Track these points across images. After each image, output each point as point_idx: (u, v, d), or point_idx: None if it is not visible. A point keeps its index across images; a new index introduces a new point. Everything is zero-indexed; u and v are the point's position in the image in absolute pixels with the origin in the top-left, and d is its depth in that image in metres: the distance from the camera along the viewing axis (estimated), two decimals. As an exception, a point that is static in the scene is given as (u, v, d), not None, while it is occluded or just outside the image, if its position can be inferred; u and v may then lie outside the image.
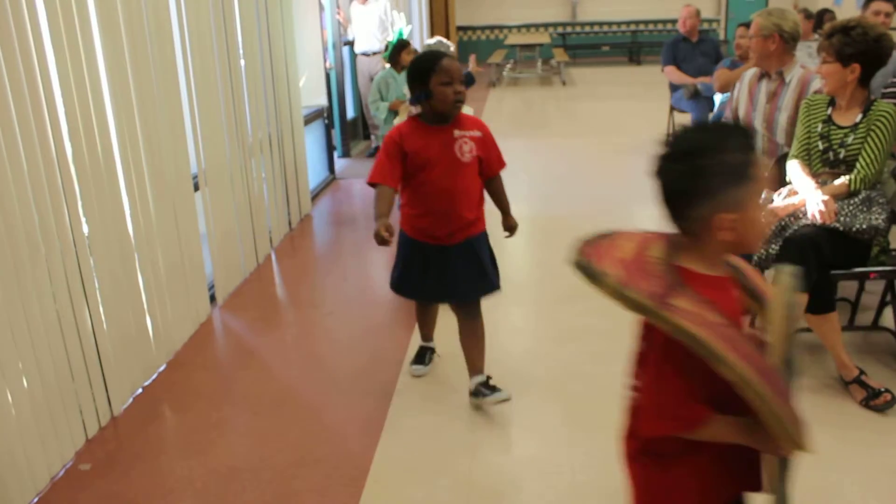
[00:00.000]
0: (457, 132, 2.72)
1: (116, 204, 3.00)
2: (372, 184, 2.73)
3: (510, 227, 2.97)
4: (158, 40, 3.35)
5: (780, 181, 3.20)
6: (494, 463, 2.59)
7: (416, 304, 3.19)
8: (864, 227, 2.82)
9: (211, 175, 3.94)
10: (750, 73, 3.79)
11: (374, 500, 2.43)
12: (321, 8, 6.64)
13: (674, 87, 6.87)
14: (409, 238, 2.87)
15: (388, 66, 5.55)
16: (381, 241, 2.57)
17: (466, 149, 2.71)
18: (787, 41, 3.55)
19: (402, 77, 4.87)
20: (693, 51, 6.73)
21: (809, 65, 3.56)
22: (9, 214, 2.37)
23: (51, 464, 2.59)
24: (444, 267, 2.80)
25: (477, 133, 2.76)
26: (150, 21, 3.29)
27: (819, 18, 6.82)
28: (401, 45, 5.46)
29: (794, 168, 3.10)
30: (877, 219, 2.84)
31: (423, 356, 3.24)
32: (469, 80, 4.33)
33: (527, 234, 4.78)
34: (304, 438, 2.77)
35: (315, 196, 6.10)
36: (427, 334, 3.26)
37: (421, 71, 2.65)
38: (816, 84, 3.41)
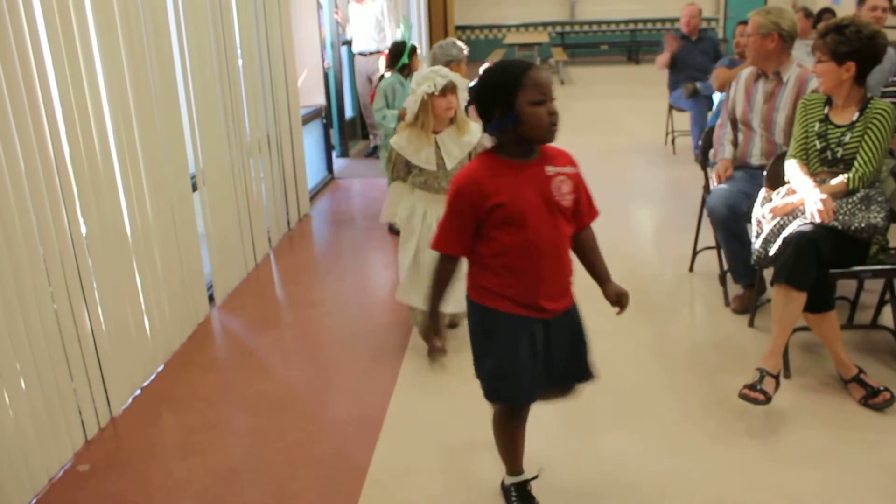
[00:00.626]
0: (549, 168, 2.03)
1: (114, 204, 2.99)
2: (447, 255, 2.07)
3: (619, 296, 2.15)
4: (155, 40, 3.35)
5: (779, 180, 3.20)
6: (493, 462, 2.58)
7: (512, 420, 2.24)
8: (863, 225, 2.82)
9: (209, 175, 3.94)
10: (746, 72, 3.79)
11: (373, 501, 2.43)
12: (319, 7, 6.64)
13: (672, 86, 6.86)
14: (500, 313, 2.06)
15: (384, 68, 5.47)
16: (436, 356, 2.19)
17: (565, 189, 2.04)
18: (786, 40, 3.55)
19: (409, 83, 4.32)
20: (692, 49, 6.73)
21: (807, 63, 3.55)
22: (7, 216, 2.36)
23: (49, 465, 2.58)
24: (547, 348, 2.10)
25: (571, 170, 2.08)
26: (148, 20, 3.28)
27: (818, 18, 6.81)
28: (410, 50, 5.26)
29: (792, 167, 3.09)
30: (875, 217, 2.84)
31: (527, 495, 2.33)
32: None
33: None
34: (302, 439, 2.77)
35: (314, 196, 6.10)
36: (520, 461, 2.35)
37: (502, 88, 1.94)
38: (814, 83, 3.41)
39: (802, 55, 4.59)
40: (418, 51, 5.39)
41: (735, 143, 3.82)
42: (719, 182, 3.71)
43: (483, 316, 2.07)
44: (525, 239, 1.98)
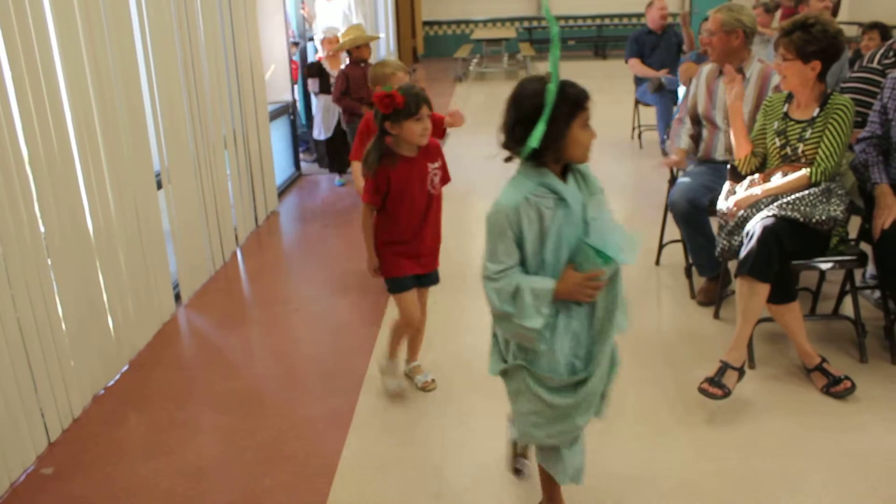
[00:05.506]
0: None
1: (75, 203, 2.94)
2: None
3: None
4: (117, 34, 3.29)
5: (742, 174, 3.25)
6: (464, 457, 2.59)
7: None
8: (824, 217, 2.87)
9: (174, 172, 3.88)
10: (707, 69, 3.83)
11: (343, 496, 2.42)
12: (284, 2, 6.58)
13: (638, 81, 6.92)
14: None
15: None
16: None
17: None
18: (748, 36, 3.60)
19: None
20: (658, 43, 6.79)
21: (763, 56, 3.60)
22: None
23: (11, 469, 2.53)
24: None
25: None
26: (108, 13, 3.22)
27: (775, 9, 6.95)
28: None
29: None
30: (836, 210, 2.89)
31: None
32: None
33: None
34: (271, 436, 2.75)
35: (281, 192, 6.06)
36: None
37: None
38: (777, 79, 3.45)
39: (759, 49, 4.66)
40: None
41: (697, 138, 3.86)
42: (669, 167, 3.84)
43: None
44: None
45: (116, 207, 3.24)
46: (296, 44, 7.20)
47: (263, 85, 5.40)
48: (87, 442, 2.78)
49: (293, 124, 6.69)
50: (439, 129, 3.37)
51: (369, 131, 3.38)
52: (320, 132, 6.30)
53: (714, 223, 3.41)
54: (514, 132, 1.80)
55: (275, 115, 6.00)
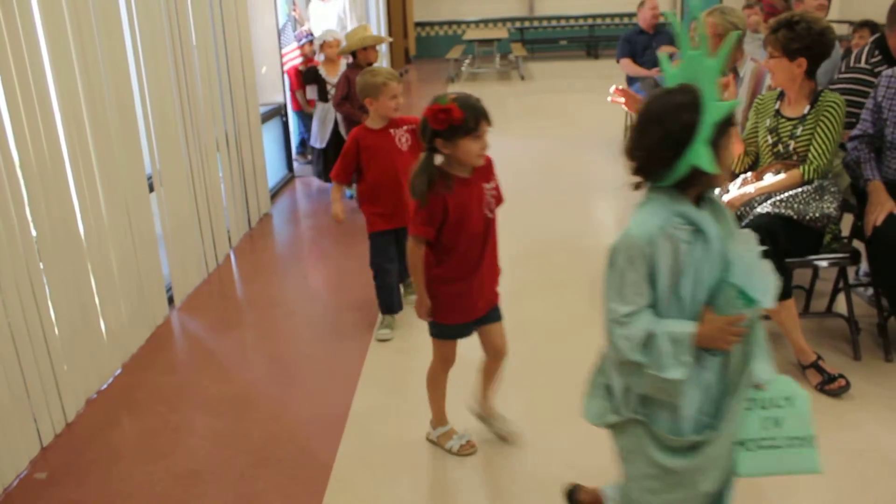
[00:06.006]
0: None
1: (66, 206, 2.92)
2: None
3: None
4: (107, 36, 3.27)
5: (733, 174, 3.25)
6: (458, 458, 2.58)
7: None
8: (817, 215, 2.88)
9: (166, 175, 3.87)
10: None
11: (338, 500, 2.41)
12: (276, 4, 6.56)
13: (630, 81, 6.93)
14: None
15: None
16: None
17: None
18: (742, 36, 3.63)
19: None
20: (649, 43, 6.80)
21: (760, 57, 3.61)
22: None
23: (4, 474, 2.52)
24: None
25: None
26: (98, 15, 3.21)
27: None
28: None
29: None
30: (829, 207, 2.90)
31: None
32: None
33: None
34: (265, 439, 2.74)
35: (274, 194, 6.04)
36: None
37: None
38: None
39: (756, 48, 4.67)
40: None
41: None
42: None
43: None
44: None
45: (108, 211, 3.22)
46: (310, 43, 6.71)
47: (255, 86, 5.38)
48: (80, 446, 2.76)
49: (285, 126, 6.67)
50: None
51: (356, 150, 3.36)
52: (316, 140, 6.02)
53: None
54: (661, 154, 1.55)
55: (267, 117, 5.98)
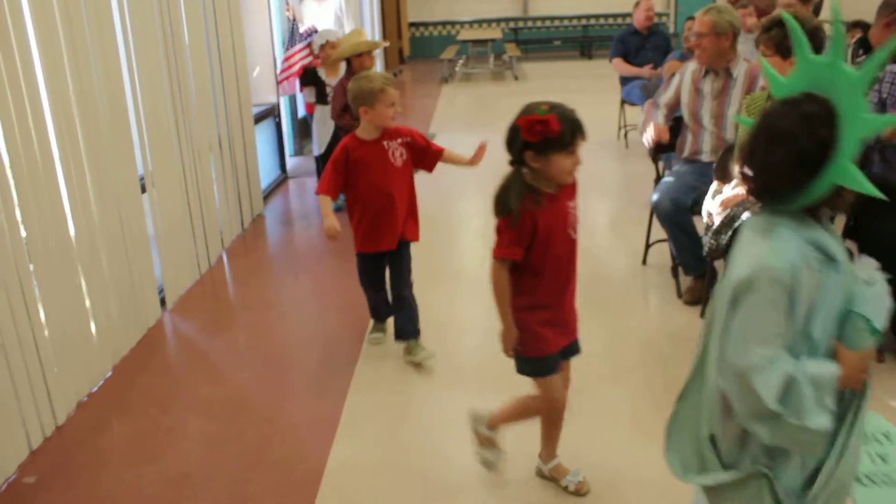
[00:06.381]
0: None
1: (56, 207, 2.90)
2: None
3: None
4: (99, 37, 3.25)
5: (728, 172, 3.24)
6: (450, 460, 2.57)
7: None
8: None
9: (159, 176, 3.85)
10: (692, 66, 3.84)
11: (330, 502, 2.40)
12: (269, 4, 6.54)
13: (624, 81, 6.93)
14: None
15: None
16: None
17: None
18: (736, 36, 3.62)
19: None
20: (643, 44, 6.80)
21: (753, 58, 3.62)
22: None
23: (-8, 478, 2.50)
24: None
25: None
26: (90, 16, 3.19)
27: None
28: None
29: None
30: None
31: None
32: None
33: (479, 230, 4.78)
34: (257, 442, 2.73)
35: (267, 195, 6.02)
36: None
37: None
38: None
39: (749, 49, 4.67)
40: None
41: (675, 131, 3.89)
42: (657, 139, 3.77)
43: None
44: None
45: (99, 212, 3.20)
46: (308, 45, 6.32)
47: (248, 87, 5.36)
48: (70, 449, 2.74)
49: (278, 127, 6.65)
50: (432, 160, 3.18)
51: (345, 161, 3.07)
52: (315, 146, 5.73)
53: (698, 222, 3.42)
54: (792, 176, 1.39)
55: (260, 118, 5.96)
